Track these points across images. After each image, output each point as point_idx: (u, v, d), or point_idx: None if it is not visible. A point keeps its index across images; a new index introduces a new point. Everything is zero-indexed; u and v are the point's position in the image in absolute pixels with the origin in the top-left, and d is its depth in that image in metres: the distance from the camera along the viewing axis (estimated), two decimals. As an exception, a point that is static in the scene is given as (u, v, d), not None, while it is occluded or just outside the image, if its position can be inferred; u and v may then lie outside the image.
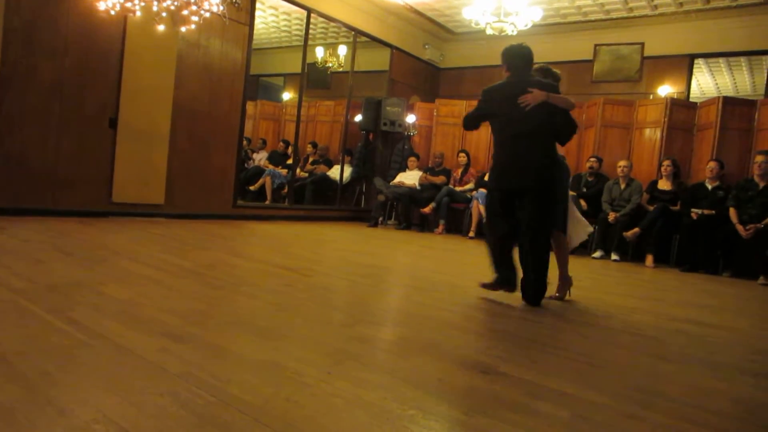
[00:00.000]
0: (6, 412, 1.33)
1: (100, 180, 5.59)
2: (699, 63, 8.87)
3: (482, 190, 7.70)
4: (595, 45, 8.64)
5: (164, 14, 5.73)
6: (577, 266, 5.70)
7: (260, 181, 8.61)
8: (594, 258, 6.54)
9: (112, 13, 5.37)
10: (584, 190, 7.05)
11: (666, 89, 8.08)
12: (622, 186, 6.74)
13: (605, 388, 1.94)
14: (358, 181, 9.22)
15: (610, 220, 6.50)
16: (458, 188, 8.14)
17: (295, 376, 1.75)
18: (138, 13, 5.54)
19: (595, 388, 1.92)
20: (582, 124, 8.02)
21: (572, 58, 8.82)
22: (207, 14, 6.06)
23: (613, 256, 6.47)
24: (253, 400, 1.54)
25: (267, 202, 8.41)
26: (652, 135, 7.35)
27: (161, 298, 2.61)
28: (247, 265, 3.88)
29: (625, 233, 6.38)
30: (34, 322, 2.05)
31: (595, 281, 4.89)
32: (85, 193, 5.49)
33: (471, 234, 7.61)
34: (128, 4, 5.44)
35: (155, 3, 5.63)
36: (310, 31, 7.86)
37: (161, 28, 5.75)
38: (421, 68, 9.89)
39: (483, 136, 8.74)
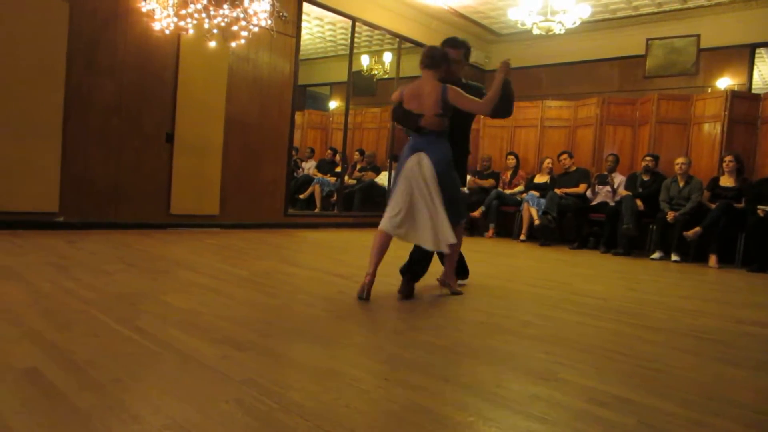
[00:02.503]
0: (84, 417, 1.40)
1: (159, 193, 5.82)
2: (761, 52, 8.45)
3: (533, 193, 7.58)
4: (647, 39, 8.37)
5: (215, 31, 5.92)
6: (635, 268, 5.54)
7: (309, 190, 8.75)
8: (653, 259, 6.31)
9: (167, 32, 5.61)
10: (640, 190, 6.82)
11: (725, 81, 7.74)
12: (681, 184, 6.49)
13: (671, 394, 1.87)
14: (405, 187, 9.20)
15: (669, 219, 6.27)
16: (508, 191, 8.03)
17: (354, 383, 1.77)
18: (191, 31, 5.76)
19: (660, 394, 1.86)
20: (635, 121, 7.79)
21: (623, 54, 8.58)
22: (256, 29, 6.24)
23: (674, 257, 6.23)
24: (314, 406, 1.56)
25: (316, 210, 8.54)
26: (712, 130, 7.05)
27: (221, 307, 2.69)
28: (301, 273, 3.95)
29: (685, 233, 6.13)
30: (104, 331, 2.15)
31: (656, 283, 4.72)
32: (144, 206, 5.73)
33: (522, 237, 7.49)
34: (181, 23, 5.66)
35: (207, 20, 5.83)
36: (355, 40, 7.95)
37: (213, 44, 5.94)
38: (466, 71, 9.76)
39: (532, 138, 8.61)
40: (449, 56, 3.23)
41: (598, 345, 2.48)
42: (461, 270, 3.78)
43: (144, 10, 5.47)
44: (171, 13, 5.58)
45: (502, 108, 3.28)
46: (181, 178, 5.92)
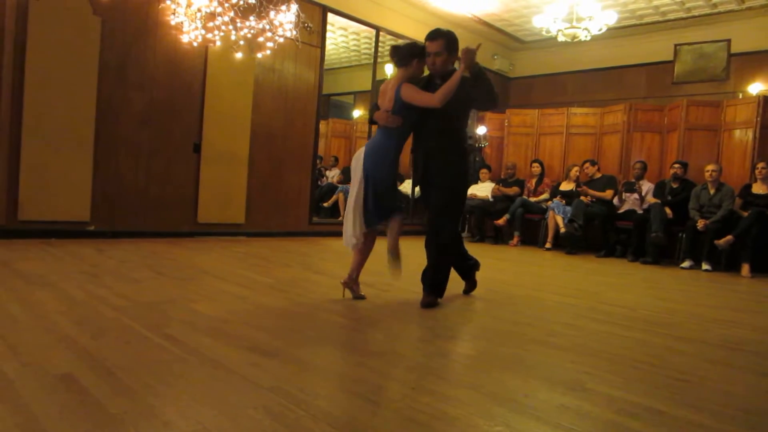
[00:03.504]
0: (117, 422, 1.43)
1: (186, 202, 5.92)
2: (794, 56, 8.25)
3: (558, 200, 7.50)
4: (675, 45, 8.24)
5: (242, 42, 6.03)
6: (664, 277, 5.44)
7: (333, 198, 8.80)
8: (683, 268, 6.18)
9: (195, 44, 5.72)
10: (669, 197, 6.69)
11: (757, 87, 7.57)
12: (711, 191, 6.36)
13: (703, 406, 1.83)
14: (429, 195, 9.20)
15: (699, 227, 6.14)
16: (533, 199, 7.96)
17: (381, 392, 1.77)
18: (218, 43, 5.87)
19: (692, 406, 1.82)
20: (663, 128, 7.67)
21: (650, 60, 8.47)
22: (281, 39, 6.33)
23: (704, 266, 6.09)
24: (341, 414, 1.57)
25: (341, 218, 8.57)
26: (743, 136, 6.89)
27: (248, 315, 2.73)
28: (325, 281, 3.97)
29: (716, 241, 5.99)
30: (135, 338, 2.19)
31: (686, 293, 4.62)
32: (172, 215, 5.83)
33: (548, 245, 7.42)
34: (209, 35, 5.77)
35: (233, 32, 5.94)
36: (379, 49, 8.00)
37: (239, 55, 6.04)
38: (491, 79, 9.78)
39: (557, 145, 8.54)
40: (424, 50, 3.12)
41: (627, 355, 2.44)
42: (466, 275, 3.67)
43: (172, 23, 5.59)
44: (199, 25, 5.70)
45: (484, 99, 3.17)
46: (208, 188, 6.02)
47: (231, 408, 1.57)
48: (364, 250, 3.25)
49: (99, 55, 5.19)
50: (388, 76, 9.50)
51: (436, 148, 3.17)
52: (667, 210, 6.49)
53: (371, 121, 3.25)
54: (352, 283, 3.25)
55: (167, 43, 5.65)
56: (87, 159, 5.19)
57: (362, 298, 3.26)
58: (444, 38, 3.13)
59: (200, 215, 5.99)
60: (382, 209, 3.10)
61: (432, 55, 3.11)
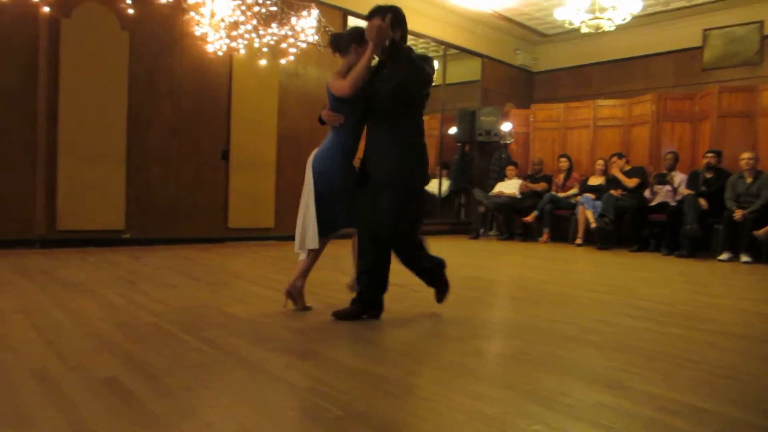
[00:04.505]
0: (162, 424, 1.46)
1: (217, 208, 6.02)
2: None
3: (588, 195, 7.39)
4: (704, 30, 8.05)
5: (265, 49, 6.12)
6: (702, 270, 5.31)
7: (361, 200, 8.82)
8: (721, 261, 6.03)
9: (220, 53, 5.83)
10: (703, 188, 6.53)
11: (793, 70, 7.35)
12: (748, 180, 6.18)
13: (749, 403, 1.79)
14: (456, 194, 9.19)
15: (736, 218, 5.97)
16: (561, 194, 7.86)
17: (416, 391, 1.78)
18: (242, 51, 5.97)
19: (737, 403, 1.78)
20: (695, 116, 7.49)
21: (678, 47, 8.30)
22: (303, 45, 6.40)
23: (743, 258, 5.93)
24: (378, 414, 1.58)
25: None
26: (781, 121, 6.69)
27: (282, 317, 2.76)
28: (355, 283, 3.98)
29: (755, 232, 5.83)
30: (174, 342, 2.24)
31: (726, 286, 4.51)
32: (204, 221, 5.93)
33: (578, 241, 7.31)
34: (233, 44, 5.88)
35: (257, 40, 6.04)
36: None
37: (263, 62, 6.13)
38: (514, 74, 9.72)
39: (584, 138, 8.41)
40: (363, 35, 2.67)
41: (666, 352, 2.40)
42: (436, 282, 3.07)
43: (197, 33, 5.70)
44: (223, 35, 5.81)
45: (415, 76, 2.63)
46: (237, 194, 6.11)
47: (270, 409, 1.60)
48: (313, 257, 2.93)
49: (128, 67, 5.33)
50: None
51: (372, 144, 2.80)
52: (702, 201, 6.34)
53: (321, 122, 2.92)
54: (295, 291, 2.88)
55: (193, 54, 5.75)
56: (120, 169, 5.33)
57: (308, 309, 2.89)
58: (380, 14, 2.63)
59: (230, 221, 6.08)
60: (334, 217, 2.83)
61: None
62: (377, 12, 2.66)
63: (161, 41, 5.56)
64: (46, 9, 4.78)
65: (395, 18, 2.65)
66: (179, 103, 5.72)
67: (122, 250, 5.06)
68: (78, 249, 4.98)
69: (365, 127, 2.87)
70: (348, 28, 2.90)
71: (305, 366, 1.99)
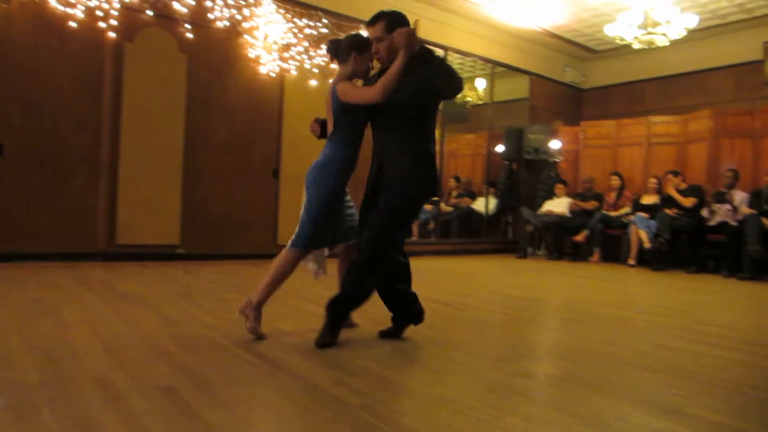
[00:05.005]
0: (217, 434, 1.51)
1: (267, 225, 6.16)
2: None
3: (641, 214, 7.18)
4: (765, 42, 7.75)
5: (315, 70, 6.28)
6: (766, 294, 5.05)
7: (407, 217, 8.84)
8: (785, 283, 5.73)
9: (272, 74, 6.01)
10: (766, 207, 6.23)
11: None
12: (814, 199, 5.87)
13: (820, 434, 1.69)
14: (503, 212, 9.09)
15: (801, 239, 5.67)
16: (613, 213, 7.66)
17: (465, 410, 1.76)
18: (293, 72, 6.14)
19: (807, 433, 1.68)
20: (756, 132, 7.19)
21: (737, 61, 8.01)
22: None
23: (810, 281, 5.61)
24: (427, 432, 1.58)
25: (414, 238, 8.61)
26: None
27: (330, 333, 2.79)
28: (402, 300, 3.99)
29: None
30: (227, 354, 2.30)
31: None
32: (254, 238, 6.08)
33: (631, 261, 7.09)
34: (285, 65, 6.06)
35: (307, 61, 6.20)
36: (448, 69, 8.05)
37: (313, 82, 6.28)
38: (563, 91, 9.60)
39: (637, 156, 8.20)
40: (365, 42, 2.62)
41: (728, 378, 2.29)
42: (402, 313, 2.82)
43: (251, 55, 5.91)
44: (275, 56, 6.00)
45: (446, 86, 2.52)
46: (287, 211, 6.23)
47: (321, 423, 1.62)
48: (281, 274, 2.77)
49: (186, 88, 5.56)
50: (478, 92, 9.52)
51: (387, 152, 2.64)
52: (765, 220, 6.05)
53: (322, 134, 2.89)
54: (247, 309, 2.69)
55: (247, 75, 5.96)
56: (176, 186, 5.54)
57: (261, 337, 2.61)
58: (384, 19, 2.56)
59: (280, 237, 6.20)
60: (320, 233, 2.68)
61: (374, 42, 2.59)
62: (375, 18, 2.59)
63: (217, 63, 5.78)
64: (112, 35, 5.06)
65: (394, 23, 2.54)
66: (233, 122, 5.91)
67: (176, 265, 5.24)
68: (135, 262, 5.18)
69: (375, 137, 2.74)
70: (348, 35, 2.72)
71: (355, 382, 2.01)
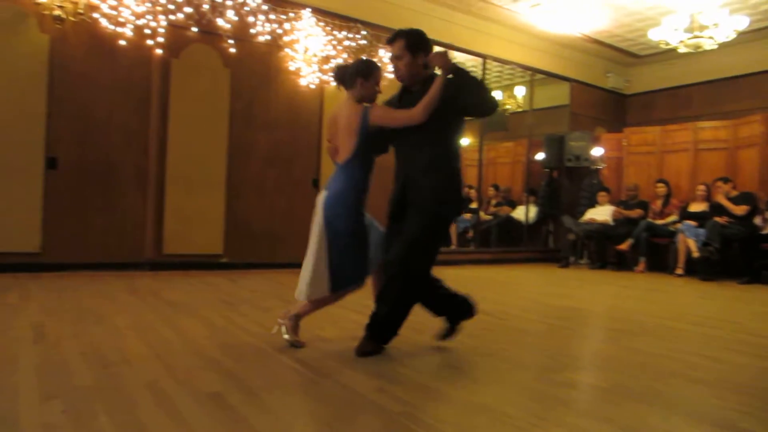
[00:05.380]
0: (263, 439, 1.54)
1: (307, 234, 6.22)
2: None
3: (689, 222, 6.96)
4: (819, 45, 7.44)
5: (355, 81, 6.34)
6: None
7: (446, 227, 8.81)
8: None
9: (312, 87, 6.12)
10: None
11: None
12: None
13: None
14: (544, 221, 8.95)
15: None
16: (659, 221, 7.45)
17: (510, 420, 1.75)
18: (333, 84, 6.22)
19: None
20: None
21: (790, 64, 7.70)
22: (391, 75, 6.57)
23: None
24: (471, 442, 1.57)
25: (453, 247, 8.56)
26: None
27: (371, 341, 2.80)
28: (443, 309, 3.98)
29: None
30: (272, 361, 2.35)
31: None
32: (296, 247, 6.11)
33: (679, 271, 6.87)
34: (324, 77, 6.15)
35: (347, 72, 6.28)
36: (486, 76, 8.02)
37: (353, 93, 6.35)
38: (605, 97, 9.42)
39: (684, 163, 7.97)
40: (370, 66, 2.64)
41: (785, 391, 2.20)
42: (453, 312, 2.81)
43: (292, 68, 6.03)
44: (315, 69, 6.10)
45: (479, 105, 2.56)
46: (326, 220, 6.30)
47: (363, 430, 1.63)
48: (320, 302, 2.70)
49: (229, 102, 5.71)
50: (517, 100, 9.46)
51: (413, 172, 2.63)
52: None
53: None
54: (293, 323, 2.66)
55: (287, 87, 6.08)
56: (220, 197, 5.68)
57: (299, 346, 2.61)
58: (404, 38, 2.58)
59: (320, 246, 6.27)
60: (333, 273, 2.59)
61: (393, 60, 2.62)
62: (394, 37, 2.62)
63: (259, 77, 5.92)
64: (159, 51, 5.26)
65: (413, 41, 2.58)
66: (274, 134, 6.04)
67: (221, 274, 5.36)
68: (181, 271, 5.33)
69: (399, 157, 2.74)
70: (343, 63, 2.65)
71: (396, 390, 2.02)
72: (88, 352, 2.35)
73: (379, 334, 2.58)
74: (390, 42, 2.63)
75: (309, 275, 2.57)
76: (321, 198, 2.66)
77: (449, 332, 2.79)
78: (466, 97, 2.51)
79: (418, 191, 2.59)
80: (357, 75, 2.62)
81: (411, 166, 2.64)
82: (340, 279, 2.59)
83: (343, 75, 2.68)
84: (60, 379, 1.99)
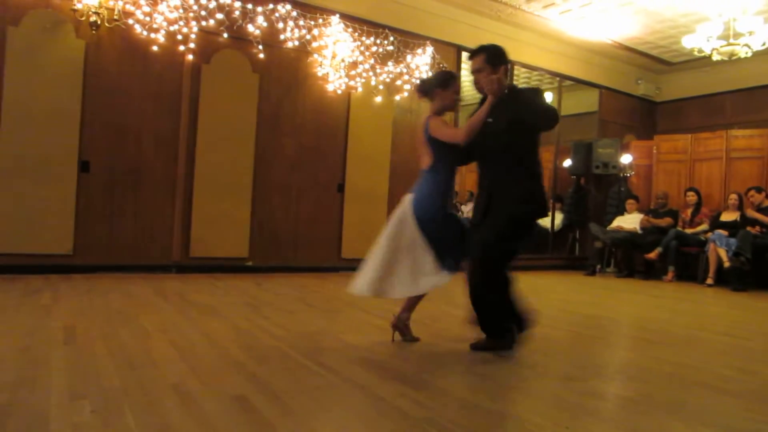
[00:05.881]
0: (286, 441, 1.55)
1: (332, 239, 6.28)
2: None
3: (720, 232, 6.80)
4: None
5: (381, 87, 6.38)
6: None
7: (470, 233, 8.78)
8: None
9: (339, 92, 6.16)
10: None
11: None
12: None
13: None
14: (570, 228, 8.84)
15: None
16: (689, 230, 7.29)
17: (534, 429, 1.73)
18: (359, 89, 6.27)
19: None
20: None
21: (828, 71, 7.48)
22: (417, 81, 6.59)
23: None
24: (493, 450, 1.56)
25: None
26: None
27: (394, 346, 2.81)
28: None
29: None
30: (294, 365, 2.36)
31: None
32: (319, 251, 6.21)
33: (709, 281, 6.70)
34: (351, 83, 6.20)
35: (373, 78, 6.32)
36: (514, 82, 7.97)
37: (379, 99, 6.39)
38: (635, 105, 9.28)
39: (715, 171, 7.80)
40: (447, 77, 2.91)
41: (820, 407, 2.13)
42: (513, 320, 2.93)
43: (319, 74, 6.08)
44: (342, 74, 6.15)
45: (540, 122, 2.79)
46: (350, 225, 6.34)
47: (386, 436, 1.63)
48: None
49: (257, 107, 5.79)
50: None
51: (496, 183, 2.82)
52: None
53: None
54: (401, 324, 2.91)
55: (315, 93, 6.14)
56: (246, 201, 5.75)
57: (416, 340, 2.91)
58: (484, 53, 2.82)
59: (344, 251, 6.31)
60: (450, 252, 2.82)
61: (474, 73, 2.84)
62: (475, 52, 2.85)
63: (287, 82, 6.00)
64: (190, 57, 5.36)
65: (492, 55, 2.80)
66: (300, 139, 6.09)
67: (246, 277, 5.42)
68: (207, 274, 5.41)
69: (481, 168, 2.94)
70: (436, 71, 2.98)
71: (419, 396, 2.01)
72: (116, 353, 2.40)
73: (490, 331, 2.80)
74: (472, 56, 2.88)
75: (381, 272, 2.79)
76: (408, 200, 2.87)
77: (484, 346, 2.83)
78: (526, 117, 2.71)
79: (500, 197, 2.79)
80: (436, 86, 2.86)
81: (492, 179, 2.85)
82: (451, 266, 2.82)
83: (426, 88, 2.91)
84: (89, 379, 2.04)
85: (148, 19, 5.13)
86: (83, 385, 1.96)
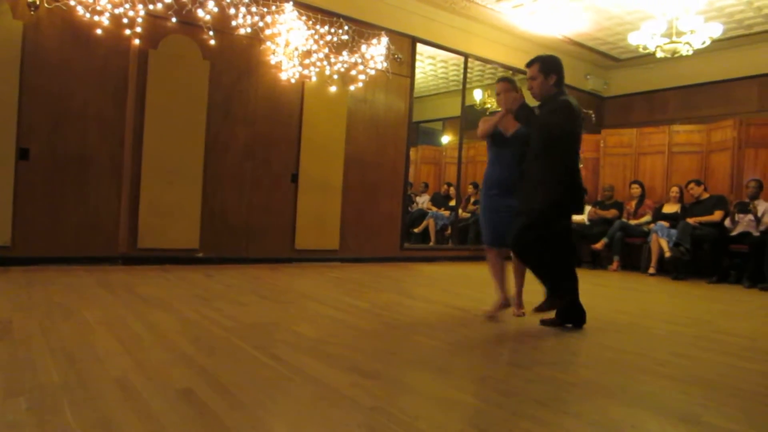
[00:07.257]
0: (233, 434, 1.53)
1: (285, 230, 6.22)
2: None
3: (662, 223, 7.09)
4: (791, 53, 7.62)
5: (335, 76, 6.33)
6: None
7: (424, 224, 8.86)
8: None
9: (292, 81, 6.08)
10: (790, 216, 6.13)
11: None
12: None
13: (843, 448, 1.66)
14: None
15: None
16: (633, 222, 7.58)
17: (480, 415, 1.76)
18: (313, 78, 6.20)
19: (829, 447, 1.65)
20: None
21: (763, 71, 7.88)
22: (372, 71, 6.58)
23: (837, 293, 5.49)
24: (441, 437, 1.58)
25: (431, 244, 8.61)
26: None
27: (347, 337, 2.81)
28: (419, 306, 4.00)
29: None
30: (244, 357, 2.33)
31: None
32: (272, 242, 6.13)
33: (651, 270, 7.00)
34: (305, 72, 6.12)
35: (328, 67, 6.26)
36: (468, 75, 8.06)
37: (333, 89, 6.34)
38: (584, 99, 9.53)
39: (658, 165, 8.12)
40: (506, 84, 3.49)
41: (746, 388, 2.26)
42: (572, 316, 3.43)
43: (272, 62, 5.98)
44: (296, 63, 6.06)
45: (566, 125, 3.20)
46: (304, 216, 6.29)
47: (335, 425, 1.63)
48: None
49: (208, 94, 5.65)
50: (477, 102, 9.55)
51: (536, 175, 3.20)
52: (789, 231, 5.94)
53: None
54: (516, 303, 3.74)
55: (268, 81, 6.03)
56: (196, 191, 5.62)
57: (521, 315, 3.68)
58: (538, 62, 3.22)
59: (297, 242, 6.26)
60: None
61: (529, 80, 3.25)
62: (532, 61, 3.27)
63: (239, 70, 5.87)
64: (137, 41, 5.17)
65: (545, 64, 3.21)
66: (253, 127, 5.99)
67: (196, 269, 5.30)
68: (156, 266, 5.26)
69: (527, 162, 3.33)
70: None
71: (370, 385, 2.02)
72: (56, 348, 2.31)
73: (551, 289, 3.25)
74: (528, 65, 3.28)
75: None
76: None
77: (554, 323, 3.39)
78: (547, 122, 3.12)
79: (528, 196, 3.20)
80: (499, 93, 3.49)
81: (533, 172, 3.21)
82: (484, 237, 3.67)
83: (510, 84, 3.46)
84: (25, 375, 1.95)
85: (91, 0, 4.91)
86: (19, 382, 1.87)
